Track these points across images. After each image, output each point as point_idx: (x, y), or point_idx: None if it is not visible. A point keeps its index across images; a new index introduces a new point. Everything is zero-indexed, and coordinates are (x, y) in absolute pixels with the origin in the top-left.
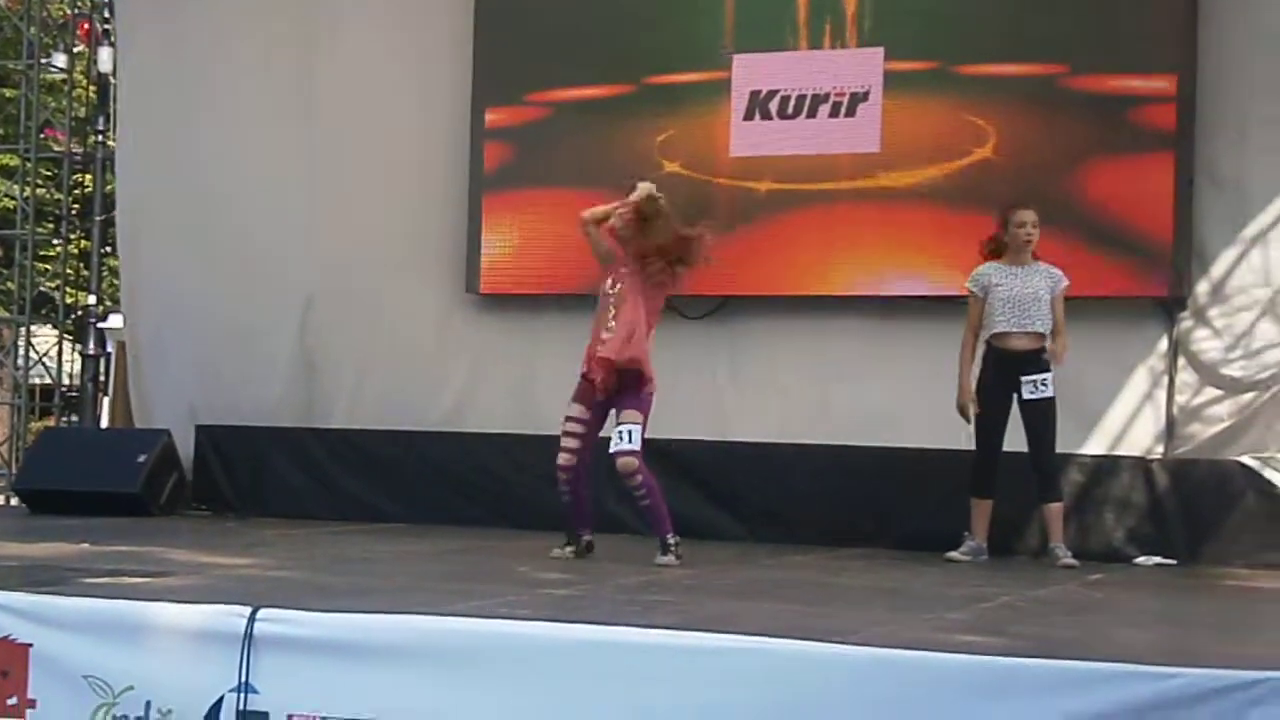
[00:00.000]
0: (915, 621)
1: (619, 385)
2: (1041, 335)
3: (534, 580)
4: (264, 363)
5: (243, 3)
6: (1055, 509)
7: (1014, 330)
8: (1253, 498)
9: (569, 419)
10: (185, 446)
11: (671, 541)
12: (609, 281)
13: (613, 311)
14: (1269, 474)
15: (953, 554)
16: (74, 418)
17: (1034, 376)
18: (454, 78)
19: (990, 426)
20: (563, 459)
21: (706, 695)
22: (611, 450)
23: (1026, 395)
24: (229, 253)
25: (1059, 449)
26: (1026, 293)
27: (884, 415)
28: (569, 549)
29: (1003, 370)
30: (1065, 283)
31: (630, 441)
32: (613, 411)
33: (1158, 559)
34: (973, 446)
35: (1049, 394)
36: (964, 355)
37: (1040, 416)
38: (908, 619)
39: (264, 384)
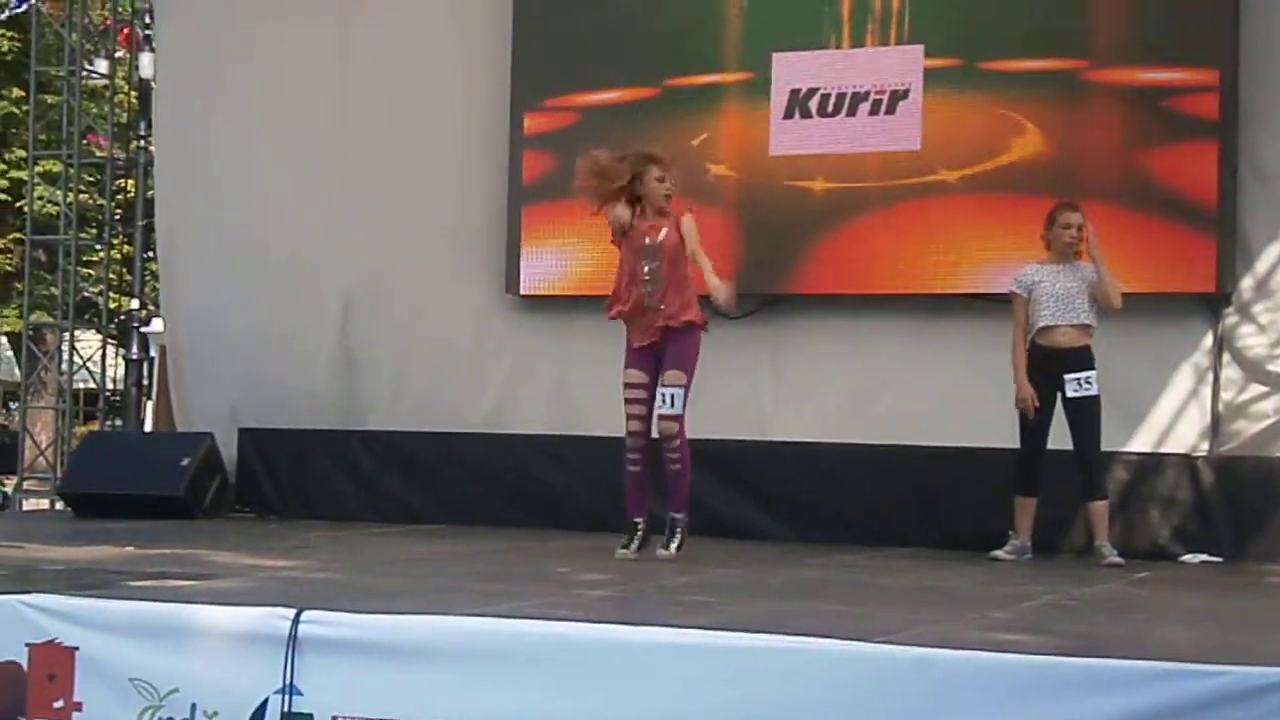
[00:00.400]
0: (960, 621)
1: (666, 336)
2: (1087, 328)
3: (574, 581)
4: (304, 365)
5: (279, 8)
6: (1100, 507)
7: (1060, 323)
8: None
9: (629, 386)
10: (228, 449)
11: (680, 520)
12: (643, 235)
13: (657, 264)
14: None
15: (997, 553)
16: (118, 422)
17: (1078, 375)
18: (492, 79)
19: (1035, 424)
20: (632, 425)
21: (750, 696)
22: (656, 411)
23: (1070, 393)
24: (267, 255)
25: (1104, 446)
26: (1071, 287)
27: (929, 414)
28: (633, 547)
29: (1047, 368)
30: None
31: (673, 406)
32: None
33: (1204, 557)
34: (1018, 444)
35: (1093, 392)
36: (1016, 354)
37: (1084, 414)
38: (952, 618)
39: (305, 386)
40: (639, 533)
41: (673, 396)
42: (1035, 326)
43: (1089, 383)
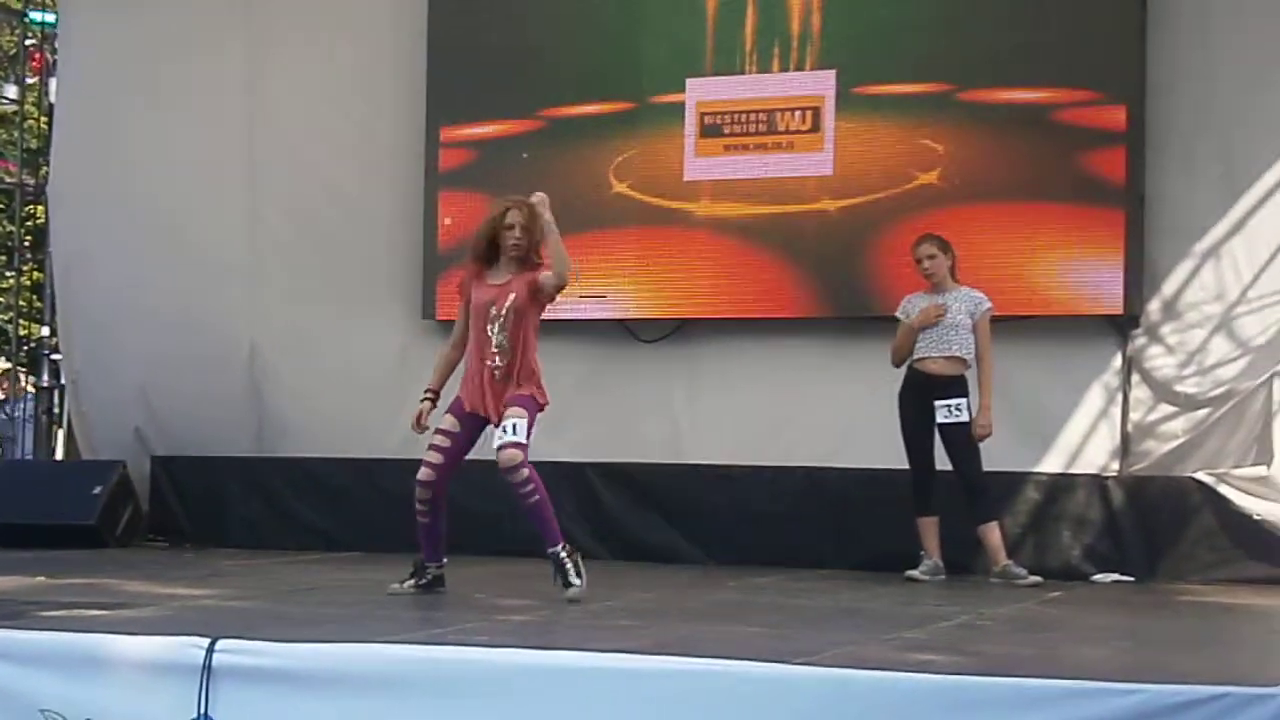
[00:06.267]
0: (875, 641)
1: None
2: (961, 360)
3: (493, 607)
4: (213, 391)
5: (185, 35)
6: (986, 530)
7: (931, 355)
8: (1208, 514)
9: (437, 430)
10: (136, 475)
11: (565, 554)
12: (487, 299)
13: (499, 338)
14: (1224, 490)
15: (912, 573)
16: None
17: (948, 401)
18: (405, 106)
19: (914, 445)
20: (424, 474)
21: (670, 718)
22: (496, 444)
23: (941, 419)
24: (171, 283)
25: (1015, 467)
26: (944, 320)
27: (841, 435)
28: (410, 583)
29: (918, 392)
30: (987, 305)
31: (515, 434)
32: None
33: (1115, 576)
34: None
35: (964, 419)
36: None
37: (957, 440)
38: (868, 639)
39: (213, 412)
40: (427, 575)
41: (514, 425)
42: (913, 356)
43: (959, 410)
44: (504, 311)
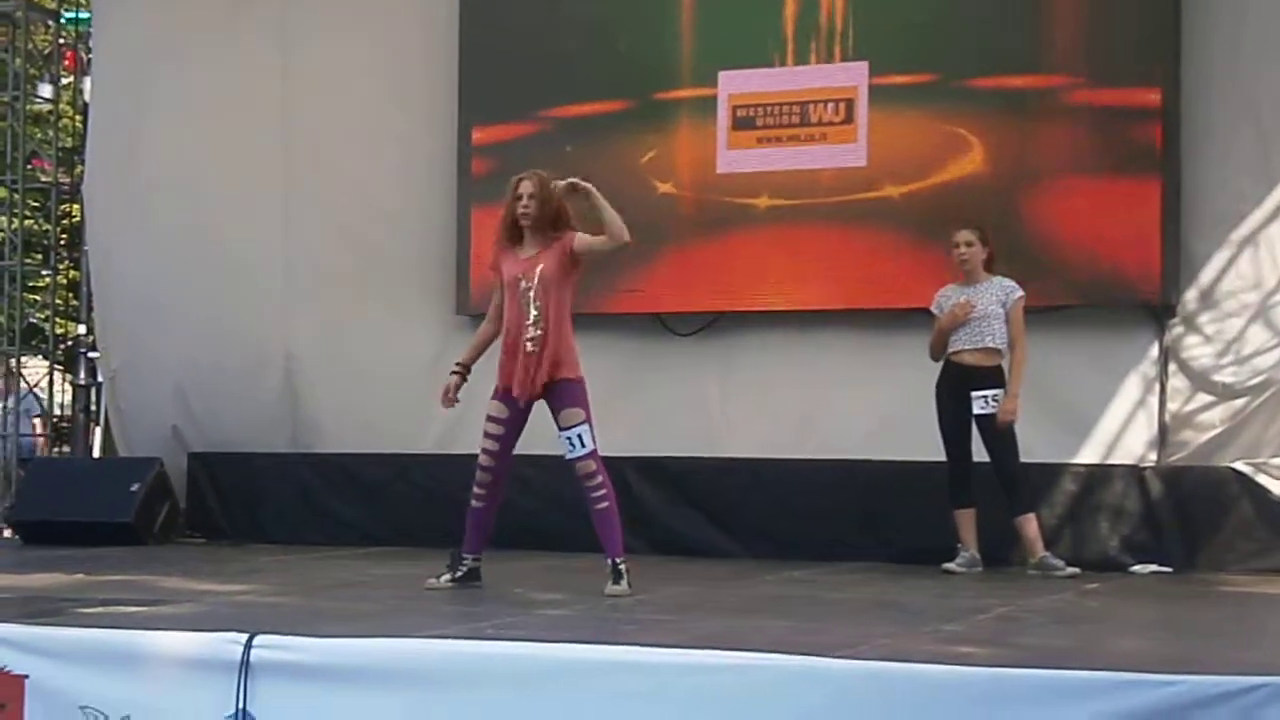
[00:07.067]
0: (914, 635)
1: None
2: (996, 351)
3: (528, 601)
4: (248, 386)
5: (218, 31)
6: (1023, 522)
7: (966, 347)
8: (1247, 503)
9: (489, 418)
10: (173, 472)
11: (623, 567)
12: (516, 273)
13: (534, 312)
14: (1262, 479)
15: (949, 565)
16: (66, 448)
17: (984, 392)
18: (438, 98)
19: (951, 437)
20: (483, 459)
21: (707, 712)
22: (568, 459)
23: (978, 410)
24: (209, 278)
25: (1052, 459)
26: (976, 311)
27: (878, 428)
28: (446, 578)
29: (955, 383)
30: (1018, 294)
31: (583, 446)
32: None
33: (1154, 567)
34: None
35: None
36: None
37: (993, 432)
38: (906, 632)
39: (248, 408)
40: (463, 567)
41: (579, 437)
42: (949, 348)
43: (996, 400)
44: (534, 283)
